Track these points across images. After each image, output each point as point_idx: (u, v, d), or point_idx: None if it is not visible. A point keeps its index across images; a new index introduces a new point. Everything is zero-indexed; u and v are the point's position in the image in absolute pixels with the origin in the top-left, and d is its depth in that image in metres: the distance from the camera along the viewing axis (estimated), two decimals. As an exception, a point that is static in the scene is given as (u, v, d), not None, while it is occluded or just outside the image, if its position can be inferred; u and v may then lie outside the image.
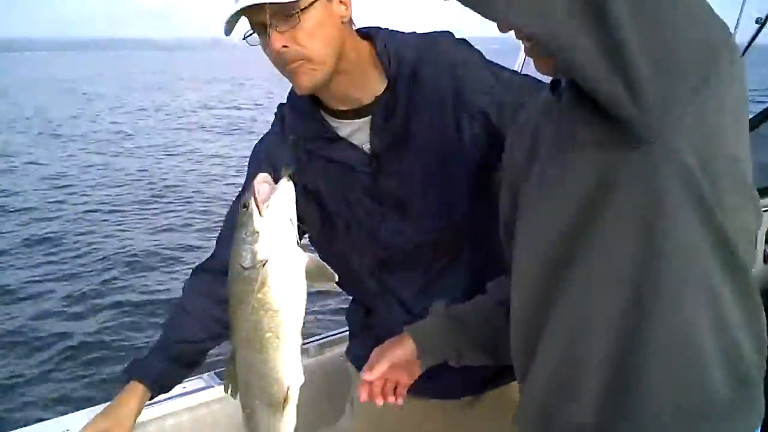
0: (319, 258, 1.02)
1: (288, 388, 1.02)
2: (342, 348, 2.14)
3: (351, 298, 1.77)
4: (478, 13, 0.87)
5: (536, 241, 1.06)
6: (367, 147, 1.47)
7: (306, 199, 1.48)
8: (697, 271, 0.93)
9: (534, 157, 1.09)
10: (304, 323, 1.02)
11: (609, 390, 0.98)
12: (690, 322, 0.93)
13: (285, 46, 1.28)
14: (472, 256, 1.53)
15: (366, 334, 1.66)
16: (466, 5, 0.86)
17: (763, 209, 3.34)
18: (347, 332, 2.09)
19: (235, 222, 0.98)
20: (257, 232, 0.92)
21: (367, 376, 1.30)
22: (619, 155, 0.91)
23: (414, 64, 1.44)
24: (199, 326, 1.53)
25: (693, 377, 0.96)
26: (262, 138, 1.62)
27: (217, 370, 1.97)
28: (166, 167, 14.90)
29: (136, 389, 1.47)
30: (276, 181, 0.96)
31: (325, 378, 2.09)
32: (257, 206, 0.92)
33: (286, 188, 0.95)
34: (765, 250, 3.53)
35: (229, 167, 14.08)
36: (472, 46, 1.52)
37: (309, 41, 1.29)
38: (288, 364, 1.01)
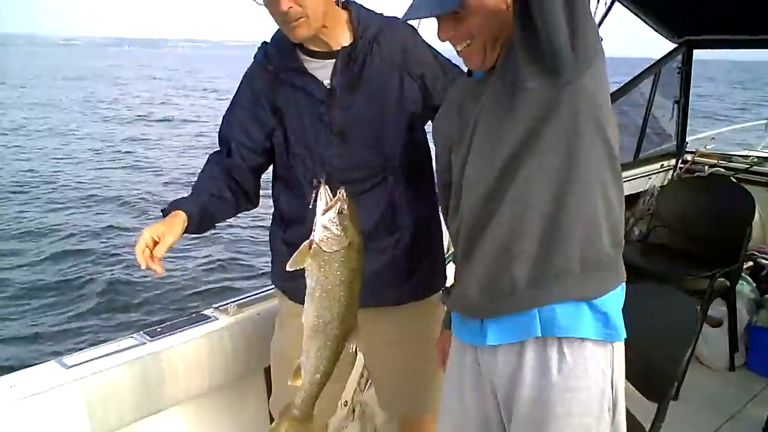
0: None
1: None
2: (257, 308, 2.44)
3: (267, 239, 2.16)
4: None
5: (488, 159, 1.46)
6: (327, 83, 1.90)
7: (274, 114, 1.95)
8: (597, 173, 1.41)
9: (465, 124, 1.55)
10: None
11: (539, 251, 1.43)
12: (592, 205, 1.41)
13: (291, 7, 1.73)
14: (393, 184, 1.94)
15: (287, 250, 1.97)
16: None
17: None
18: (260, 293, 2.41)
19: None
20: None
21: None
22: (552, 92, 1.35)
23: (376, 31, 1.92)
24: (223, 187, 1.97)
25: (593, 242, 1.43)
26: (250, 65, 2.03)
27: (146, 330, 2.22)
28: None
29: (180, 215, 1.81)
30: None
31: (244, 333, 2.35)
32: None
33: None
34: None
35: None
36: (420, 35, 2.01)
37: (308, 3, 1.74)
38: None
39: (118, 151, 17.88)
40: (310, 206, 1.60)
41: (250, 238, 9.42)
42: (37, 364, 1.97)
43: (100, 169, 15.32)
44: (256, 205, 2.11)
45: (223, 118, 2.06)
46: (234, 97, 2.04)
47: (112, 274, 8.04)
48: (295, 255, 1.46)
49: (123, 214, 11.16)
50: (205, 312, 2.39)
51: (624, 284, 1.52)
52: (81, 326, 6.69)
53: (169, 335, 2.20)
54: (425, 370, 2.12)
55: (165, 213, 1.83)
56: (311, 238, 1.45)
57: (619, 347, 1.49)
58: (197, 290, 7.51)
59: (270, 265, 2.19)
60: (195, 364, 2.22)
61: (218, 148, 2.06)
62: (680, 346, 1.99)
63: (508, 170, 1.43)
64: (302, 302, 1.52)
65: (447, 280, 2.13)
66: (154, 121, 25.33)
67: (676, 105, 4.73)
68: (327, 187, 1.45)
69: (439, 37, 1.51)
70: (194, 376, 2.21)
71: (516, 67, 1.38)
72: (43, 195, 12.45)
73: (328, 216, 1.43)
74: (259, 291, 2.55)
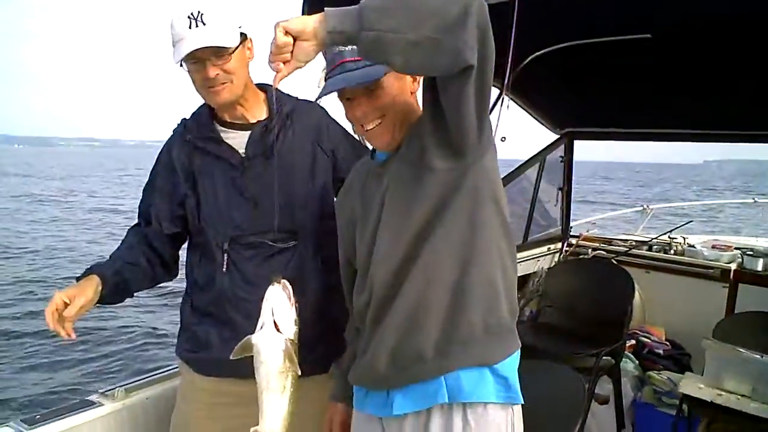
0: None
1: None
2: (146, 392, 2.34)
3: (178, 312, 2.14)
4: (450, 65, 1.32)
5: (397, 236, 1.54)
6: (242, 152, 1.99)
7: (187, 181, 2.02)
8: (495, 241, 1.53)
9: (370, 202, 1.64)
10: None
11: (445, 320, 1.50)
12: (492, 272, 1.52)
13: (217, 73, 1.84)
14: (302, 247, 2.00)
15: (195, 318, 2.04)
16: (433, 69, 1.36)
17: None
18: (148, 377, 2.35)
19: None
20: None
21: None
22: (457, 172, 1.48)
23: (291, 108, 2.05)
24: (140, 256, 2.00)
25: (494, 307, 1.53)
26: (169, 137, 2.11)
27: (23, 417, 2.07)
28: None
29: (93, 278, 1.80)
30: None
31: (133, 420, 2.25)
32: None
33: (273, 290, 1.44)
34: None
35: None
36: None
37: (233, 70, 1.86)
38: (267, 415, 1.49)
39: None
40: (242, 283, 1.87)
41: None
42: None
43: None
44: (174, 274, 2.11)
45: (142, 191, 2.11)
46: (152, 168, 2.10)
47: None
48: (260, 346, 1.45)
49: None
50: (90, 398, 2.27)
51: (519, 349, 1.61)
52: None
53: (50, 422, 2.07)
54: None
55: (78, 279, 1.81)
56: (272, 330, 1.44)
57: (518, 409, 1.57)
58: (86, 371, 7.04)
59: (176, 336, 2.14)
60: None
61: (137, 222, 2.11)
62: (570, 422, 2.05)
63: (417, 245, 1.51)
64: (208, 374, 1.64)
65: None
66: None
67: (560, 192, 5.01)
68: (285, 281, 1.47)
69: (350, 115, 1.60)
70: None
71: (423, 149, 1.49)
72: None
73: (293, 310, 1.45)
74: (148, 375, 2.45)
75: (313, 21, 1.26)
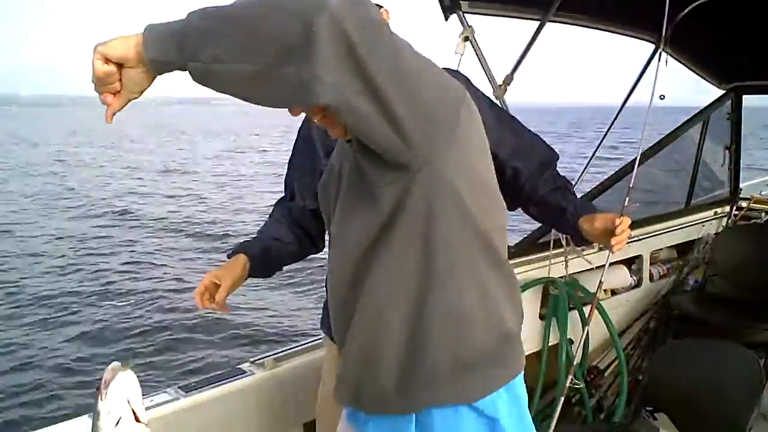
0: None
1: None
2: (294, 362, 2.39)
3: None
4: (300, 104, 1.12)
5: (345, 248, 1.32)
6: None
7: (327, 157, 1.82)
8: (464, 261, 1.23)
9: (332, 189, 1.41)
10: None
11: (404, 355, 1.25)
12: (460, 300, 1.23)
13: None
14: None
15: None
16: (282, 105, 1.08)
17: (650, 234, 3.76)
18: (297, 347, 2.39)
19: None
20: (98, 412, 1.12)
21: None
22: (401, 184, 1.17)
23: None
24: (285, 231, 1.99)
25: (465, 340, 1.25)
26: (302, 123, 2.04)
27: (180, 384, 2.18)
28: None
29: (240, 258, 1.82)
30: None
31: (281, 388, 2.30)
32: (101, 391, 1.13)
33: (125, 378, 1.14)
34: (650, 270, 3.92)
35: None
36: None
37: None
38: None
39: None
40: None
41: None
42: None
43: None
44: (320, 249, 2.09)
45: (287, 164, 2.11)
46: (294, 142, 2.09)
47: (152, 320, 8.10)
48: None
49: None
50: (242, 366, 2.34)
51: (521, 376, 1.35)
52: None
53: (205, 389, 2.16)
54: None
55: (229, 257, 1.86)
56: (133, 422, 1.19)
57: None
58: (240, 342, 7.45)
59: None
60: (231, 420, 2.17)
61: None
62: (744, 403, 1.86)
63: (363, 268, 1.27)
64: None
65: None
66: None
67: (727, 151, 4.60)
68: None
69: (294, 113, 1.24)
70: (231, 431, 2.16)
71: (358, 164, 1.24)
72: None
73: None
74: (297, 345, 2.50)
75: (135, 45, 1.04)
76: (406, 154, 1.13)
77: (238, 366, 2.35)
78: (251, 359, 2.39)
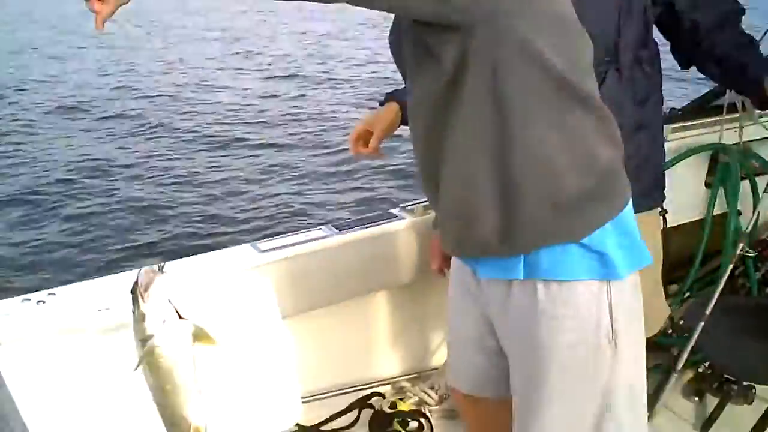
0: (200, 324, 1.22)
1: (191, 428, 1.22)
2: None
3: None
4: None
5: (419, 106, 1.35)
6: None
7: None
8: (539, 108, 1.22)
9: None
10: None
11: (499, 209, 1.27)
12: (542, 144, 1.23)
13: None
14: None
15: None
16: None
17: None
18: None
19: None
20: (143, 314, 1.12)
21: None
22: (462, 41, 1.17)
23: None
24: None
25: (557, 184, 1.25)
26: None
27: (335, 223, 2.32)
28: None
29: (393, 105, 1.86)
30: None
31: (429, 234, 2.36)
32: (140, 294, 1.12)
33: (163, 279, 1.13)
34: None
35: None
36: None
37: None
38: (189, 409, 1.21)
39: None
40: None
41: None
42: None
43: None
44: None
45: None
46: None
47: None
48: None
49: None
50: (393, 211, 2.44)
51: (629, 208, 1.34)
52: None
53: (357, 230, 2.27)
54: None
55: (381, 104, 1.90)
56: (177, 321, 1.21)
57: (620, 285, 1.32)
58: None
59: None
60: (379, 259, 2.29)
61: None
62: None
63: (437, 121, 1.28)
64: None
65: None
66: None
67: None
68: None
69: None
70: (378, 270, 2.30)
71: (419, 32, 1.24)
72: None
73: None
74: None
75: None
76: (454, 17, 1.15)
77: (390, 211, 2.45)
78: (401, 204, 2.47)
